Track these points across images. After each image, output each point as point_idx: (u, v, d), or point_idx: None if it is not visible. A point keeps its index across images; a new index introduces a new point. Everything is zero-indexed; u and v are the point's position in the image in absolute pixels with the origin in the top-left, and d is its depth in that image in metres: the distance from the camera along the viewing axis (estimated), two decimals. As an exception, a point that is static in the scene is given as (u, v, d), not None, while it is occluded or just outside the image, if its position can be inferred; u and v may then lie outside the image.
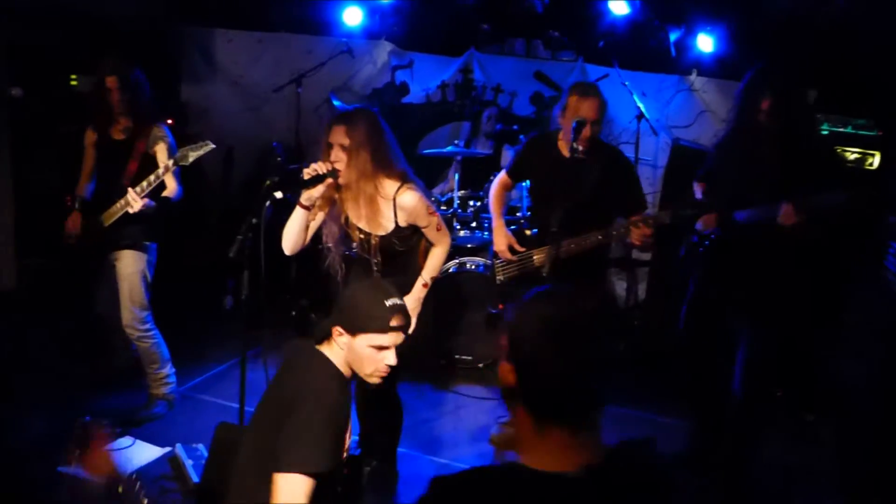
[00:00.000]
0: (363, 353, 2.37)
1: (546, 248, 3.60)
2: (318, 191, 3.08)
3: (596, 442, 1.38)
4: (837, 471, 3.74)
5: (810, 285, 3.74)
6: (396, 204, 3.15)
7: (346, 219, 3.26)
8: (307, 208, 3.16)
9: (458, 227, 5.23)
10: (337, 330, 2.38)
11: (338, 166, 3.06)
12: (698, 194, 3.74)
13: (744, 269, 3.49)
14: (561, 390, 1.36)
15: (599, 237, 3.54)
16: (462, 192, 5.28)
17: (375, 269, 3.30)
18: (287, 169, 5.11)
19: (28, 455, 3.29)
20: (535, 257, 3.75)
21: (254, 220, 3.21)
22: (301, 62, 6.24)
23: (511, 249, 3.81)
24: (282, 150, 4.08)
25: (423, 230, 3.27)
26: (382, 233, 3.22)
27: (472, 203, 5.27)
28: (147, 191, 3.77)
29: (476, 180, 5.47)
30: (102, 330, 4.25)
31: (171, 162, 3.74)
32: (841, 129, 4.58)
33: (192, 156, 3.68)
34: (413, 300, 3.21)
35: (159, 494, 3.43)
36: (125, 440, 3.84)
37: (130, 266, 3.98)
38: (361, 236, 3.25)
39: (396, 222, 3.19)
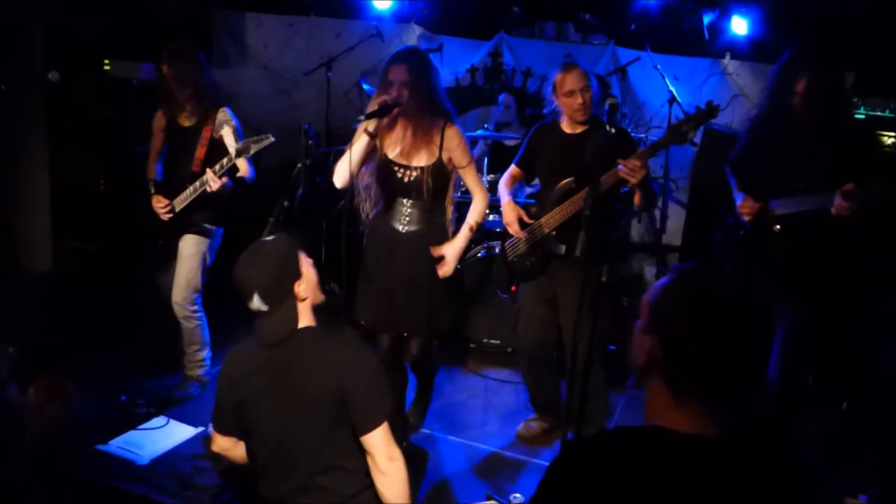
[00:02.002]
0: (312, 290, 2.47)
1: (553, 211, 3.59)
2: (383, 122, 3.32)
3: (732, 411, 1.40)
4: (872, 458, 3.70)
5: (862, 275, 3.67)
6: (444, 137, 3.40)
7: (385, 157, 3.46)
8: (372, 136, 3.33)
9: (488, 211, 5.21)
10: (291, 298, 2.40)
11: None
12: (731, 180, 3.69)
13: (791, 256, 3.41)
14: (707, 367, 1.37)
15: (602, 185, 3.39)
16: (491, 176, 5.27)
17: (407, 207, 3.49)
18: (317, 152, 5.14)
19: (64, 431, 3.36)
20: (543, 223, 3.67)
21: (286, 203, 3.25)
22: (331, 46, 6.25)
23: (521, 223, 3.73)
24: (313, 133, 4.12)
25: (462, 171, 3.49)
26: (424, 164, 3.41)
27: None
28: (223, 171, 3.82)
29: (506, 164, 5.45)
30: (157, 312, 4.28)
31: (233, 153, 3.79)
32: (879, 113, 4.49)
33: (254, 148, 3.76)
34: (461, 241, 3.51)
35: (193, 473, 3.49)
36: (159, 420, 3.91)
37: (192, 248, 4.05)
38: (399, 173, 3.43)
39: (440, 156, 3.40)
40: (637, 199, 3.51)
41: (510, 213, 3.73)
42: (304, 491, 2.39)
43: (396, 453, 2.36)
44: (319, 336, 2.45)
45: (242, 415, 2.45)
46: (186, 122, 4.03)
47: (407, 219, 3.51)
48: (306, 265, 2.47)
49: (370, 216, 3.60)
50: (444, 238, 3.54)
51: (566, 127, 3.67)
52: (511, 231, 3.76)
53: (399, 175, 3.44)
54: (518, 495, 3.06)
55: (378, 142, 3.42)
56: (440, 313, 3.60)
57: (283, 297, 2.37)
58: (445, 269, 3.50)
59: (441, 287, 3.55)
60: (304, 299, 2.43)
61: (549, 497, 1.41)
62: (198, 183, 3.91)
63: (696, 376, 1.38)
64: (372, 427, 2.32)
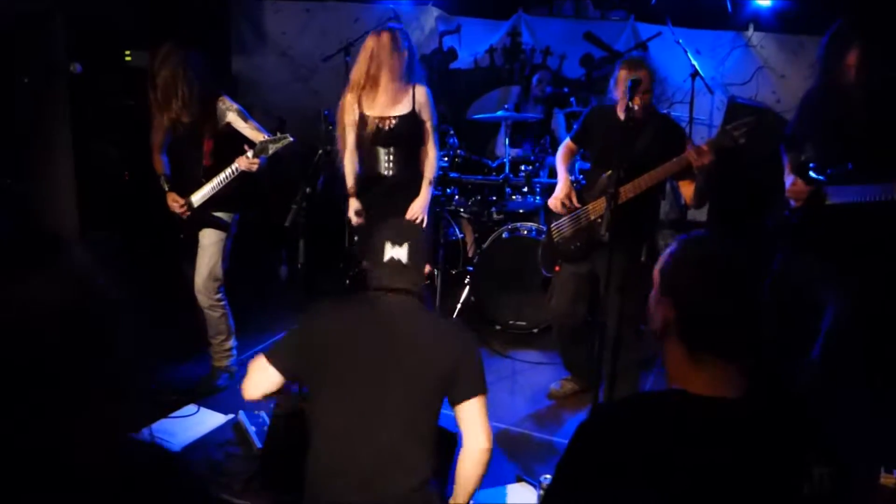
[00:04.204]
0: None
1: (601, 199, 3.62)
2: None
3: (750, 371, 1.45)
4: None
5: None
6: (415, 92, 3.97)
7: (361, 113, 4.00)
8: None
9: (510, 192, 5.20)
10: (422, 270, 2.56)
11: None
12: (785, 158, 3.60)
13: (845, 244, 3.32)
14: (719, 324, 1.44)
15: (655, 173, 3.46)
16: (513, 155, 5.25)
17: (391, 157, 4.03)
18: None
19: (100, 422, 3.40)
20: (591, 210, 3.73)
21: (307, 190, 3.25)
22: (348, 31, 6.23)
23: (567, 202, 3.81)
24: (333, 119, 4.15)
25: (424, 124, 4.03)
26: (401, 113, 3.95)
27: (523, 168, 5.23)
28: (256, 153, 3.82)
29: (526, 145, 5.43)
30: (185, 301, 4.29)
31: (251, 155, 3.80)
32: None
33: (272, 148, 3.79)
34: (423, 198, 4.06)
35: (225, 459, 3.52)
36: (190, 408, 3.94)
37: (213, 236, 4.06)
38: (379, 123, 3.96)
39: (413, 108, 3.96)
40: (689, 191, 3.51)
41: (563, 189, 3.87)
42: (378, 465, 2.33)
43: (489, 430, 2.44)
44: (428, 312, 2.60)
45: (320, 361, 2.41)
46: (186, 118, 3.98)
47: (389, 165, 4.05)
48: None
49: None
50: (420, 181, 4.09)
51: (621, 114, 3.63)
52: (550, 204, 3.91)
53: (380, 125, 3.95)
54: (548, 476, 3.05)
55: (359, 107, 4.00)
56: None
57: (420, 263, 2.53)
58: (412, 216, 4.01)
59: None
60: (424, 282, 2.58)
61: (577, 457, 1.48)
62: (223, 175, 3.91)
63: (708, 330, 1.45)
64: (472, 394, 2.41)
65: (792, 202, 3.45)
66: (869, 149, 3.16)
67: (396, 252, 2.45)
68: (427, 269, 2.61)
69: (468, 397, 2.41)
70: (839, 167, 3.26)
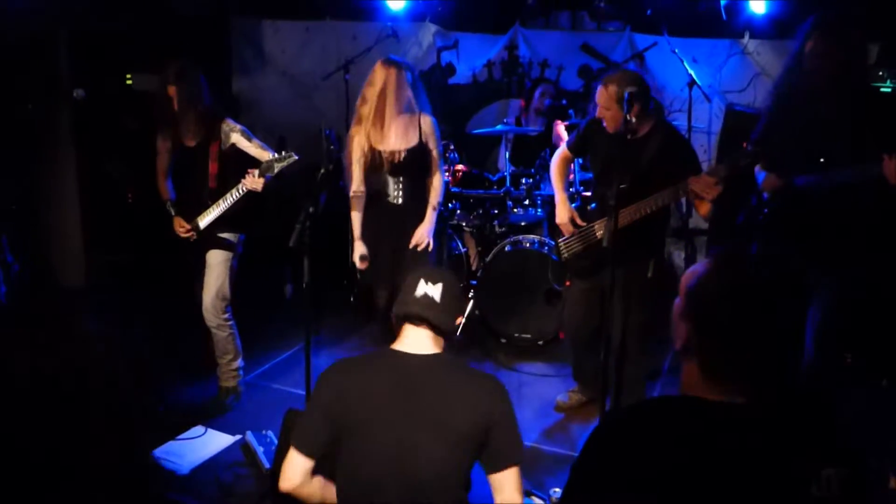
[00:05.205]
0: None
1: (604, 218, 3.65)
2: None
3: (763, 384, 1.44)
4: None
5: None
6: (421, 122, 4.03)
7: (370, 148, 4.01)
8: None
9: (511, 205, 5.21)
10: (455, 318, 2.46)
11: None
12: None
13: (828, 228, 3.32)
14: (739, 357, 1.42)
15: (659, 201, 3.50)
16: (514, 169, 5.27)
17: (399, 186, 4.09)
18: (338, 156, 5.16)
19: (108, 441, 3.41)
20: (597, 230, 3.77)
21: (311, 209, 3.27)
22: (347, 49, 6.28)
23: (572, 223, 3.86)
24: (335, 138, 4.18)
25: (431, 153, 4.10)
26: (409, 146, 4.00)
27: (524, 181, 5.25)
28: (262, 173, 3.84)
29: (527, 158, 5.45)
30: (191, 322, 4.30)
31: (257, 174, 3.83)
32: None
33: (278, 167, 3.83)
34: (429, 224, 4.12)
35: (234, 480, 3.53)
36: (197, 429, 3.95)
37: (219, 256, 4.09)
38: (389, 157, 3.99)
39: (420, 138, 4.02)
40: (705, 210, 3.49)
41: (563, 214, 3.90)
42: None
43: (522, 498, 2.34)
44: (459, 364, 2.46)
45: (353, 432, 2.30)
46: (191, 141, 4.03)
47: (398, 192, 4.10)
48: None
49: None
50: (425, 208, 4.15)
51: (610, 128, 3.68)
52: (563, 231, 3.92)
53: (389, 159, 3.99)
54: (558, 490, 3.06)
55: (368, 141, 4.01)
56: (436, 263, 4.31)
57: (451, 307, 2.42)
58: (418, 241, 4.10)
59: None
60: (454, 329, 2.47)
61: (591, 461, 1.48)
62: (230, 196, 3.94)
63: (727, 364, 1.43)
64: (509, 464, 2.30)
65: (765, 195, 3.48)
66: (834, 138, 3.18)
67: (430, 289, 2.37)
68: (459, 320, 2.51)
69: (504, 468, 2.30)
70: (807, 156, 3.28)
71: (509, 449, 2.32)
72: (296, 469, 2.34)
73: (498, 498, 2.32)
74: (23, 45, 4.95)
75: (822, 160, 3.27)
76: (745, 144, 3.67)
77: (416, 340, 2.38)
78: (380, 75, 3.96)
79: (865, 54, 3.65)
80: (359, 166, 4.09)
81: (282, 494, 2.82)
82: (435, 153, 4.14)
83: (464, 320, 5.11)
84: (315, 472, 2.37)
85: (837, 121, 3.21)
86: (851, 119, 3.19)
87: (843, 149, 3.18)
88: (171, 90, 3.88)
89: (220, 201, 3.98)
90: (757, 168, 3.58)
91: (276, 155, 3.85)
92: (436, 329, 2.38)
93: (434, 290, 2.36)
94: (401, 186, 4.10)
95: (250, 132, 4.08)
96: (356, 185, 4.13)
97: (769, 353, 1.42)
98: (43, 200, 5.36)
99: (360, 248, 4.14)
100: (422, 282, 2.38)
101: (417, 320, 2.37)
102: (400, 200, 4.12)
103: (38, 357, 1.05)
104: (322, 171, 3.49)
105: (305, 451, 2.34)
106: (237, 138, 4.01)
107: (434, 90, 6.02)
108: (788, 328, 1.43)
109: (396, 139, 4.00)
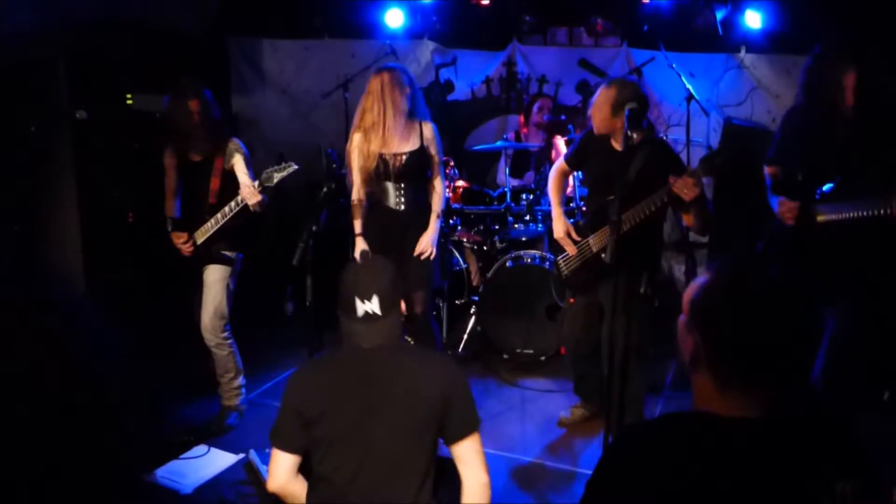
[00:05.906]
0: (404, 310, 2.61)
1: (601, 232, 3.68)
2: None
3: (777, 396, 1.42)
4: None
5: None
6: (422, 128, 4.12)
7: (371, 152, 4.03)
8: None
9: (512, 220, 5.23)
10: (398, 309, 2.49)
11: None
12: (768, 179, 3.63)
13: (840, 259, 3.33)
14: (749, 359, 1.40)
15: (648, 207, 3.49)
16: (514, 185, 5.29)
17: (401, 192, 4.11)
18: (339, 174, 5.18)
19: (110, 462, 3.40)
20: (592, 244, 3.77)
21: (313, 227, 3.29)
22: (346, 67, 6.32)
23: (569, 237, 3.87)
24: (336, 157, 4.20)
25: (432, 158, 4.16)
26: (410, 149, 4.06)
27: (524, 196, 5.27)
28: (261, 186, 3.84)
29: (528, 168, 5.48)
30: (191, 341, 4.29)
31: (256, 184, 3.84)
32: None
33: (277, 177, 3.82)
34: (433, 232, 4.16)
35: (238, 499, 3.52)
36: (200, 448, 3.94)
37: (217, 274, 4.08)
38: (389, 160, 4.03)
39: (422, 142, 4.09)
40: (689, 219, 3.51)
41: (560, 228, 3.91)
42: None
43: (486, 463, 2.44)
44: (412, 348, 2.59)
45: (320, 426, 2.39)
46: (197, 157, 4.05)
47: (399, 199, 4.13)
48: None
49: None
50: (428, 214, 4.20)
51: (615, 142, 3.70)
52: (562, 245, 3.93)
53: (390, 162, 4.03)
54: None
55: (368, 145, 4.04)
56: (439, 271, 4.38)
57: (394, 306, 2.47)
58: (422, 250, 4.14)
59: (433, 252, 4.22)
60: (401, 318, 2.54)
61: (605, 478, 1.47)
62: (227, 209, 3.95)
63: (738, 373, 1.42)
64: (467, 432, 2.40)
65: (785, 224, 3.46)
66: (864, 166, 3.19)
67: (368, 306, 2.40)
68: (402, 306, 2.55)
69: (464, 436, 2.40)
70: (833, 184, 3.28)
71: (469, 415, 2.42)
72: (280, 467, 2.43)
73: (460, 465, 2.42)
74: (24, 66, 4.98)
75: (844, 186, 3.25)
76: (765, 170, 3.68)
77: (371, 335, 2.43)
78: (375, 83, 4.02)
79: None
80: (359, 173, 4.11)
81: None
82: (436, 160, 4.18)
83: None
84: (299, 472, 2.47)
85: (864, 148, 3.21)
86: (884, 149, 3.19)
87: (869, 176, 3.18)
88: (194, 104, 3.90)
89: (219, 215, 3.99)
90: (769, 193, 3.59)
91: (276, 165, 3.85)
92: (388, 326, 2.45)
93: (372, 305, 2.40)
94: (402, 193, 4.13)
95: (249, 160, 4.08)
96: (357, 192, 4.15)
97: (780, 361, 1.40)
98: (44, 219, 5.37)
99: (361, 245, 4.14)
100: (357, 302, 2.40)
101: (367, 335, 2.43)
102: (402, 207, 4.14)
103: (35, 374, 1.05)
104: (325, 190, 3.50)
105: (285, 447, 2.42)
106: (237, 160, 4.03)
107: (433, 107, 6.06)
108: (799, 336, 1.41)
109: (396, 142, 4.04)
